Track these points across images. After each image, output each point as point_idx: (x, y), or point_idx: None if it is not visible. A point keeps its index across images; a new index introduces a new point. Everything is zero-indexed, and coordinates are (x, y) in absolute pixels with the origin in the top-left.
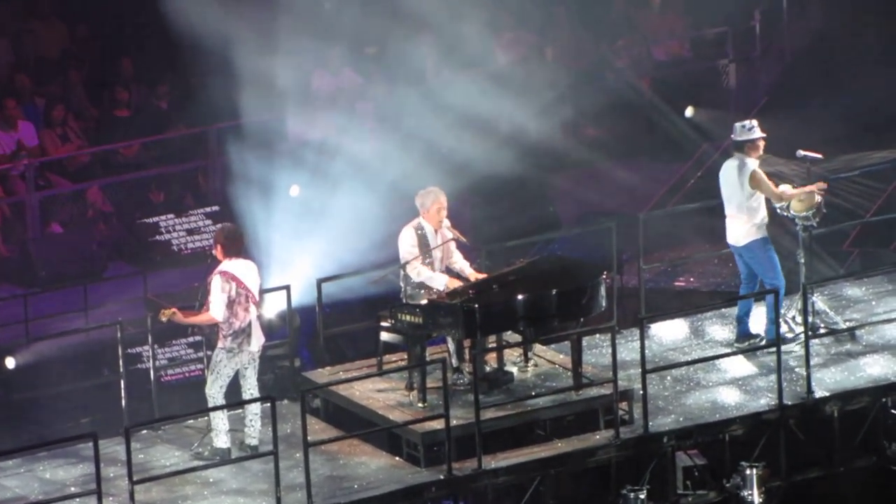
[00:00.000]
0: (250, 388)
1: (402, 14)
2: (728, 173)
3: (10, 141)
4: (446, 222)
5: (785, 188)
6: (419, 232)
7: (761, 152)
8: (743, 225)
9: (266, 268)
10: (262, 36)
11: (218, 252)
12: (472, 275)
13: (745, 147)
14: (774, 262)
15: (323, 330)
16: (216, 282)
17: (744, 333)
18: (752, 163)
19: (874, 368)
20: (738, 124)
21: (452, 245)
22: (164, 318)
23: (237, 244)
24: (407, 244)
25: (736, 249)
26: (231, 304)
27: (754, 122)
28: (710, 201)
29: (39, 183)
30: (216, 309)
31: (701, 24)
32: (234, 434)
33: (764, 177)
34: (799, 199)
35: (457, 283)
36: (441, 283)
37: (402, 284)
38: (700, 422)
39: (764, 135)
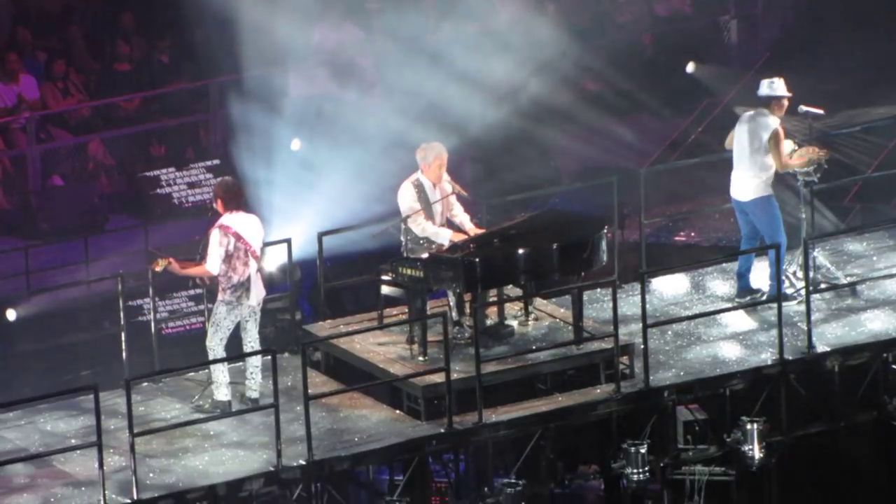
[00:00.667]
0: (251, 340)
1: None
2: (746, 126)
3: (10, 94)
4: (446, 176)
5: (786, 144)
6: (418, 187)
7: (784, 112)
8: (752, 179)
9: (267, 221)
10: None
11: (218, 206)
12: (473, 229)
13: (771, 103)
14: (779, 220)
15: (324, 283)
16: (214, 235)
17: (744, 288)
18: (775, 121)
19: (875, 324)
20: (764, 81)
21: (453, 198)
22: (158, 269)
23: (237, 198)
24: (408, 199)
25: (740, 205)
26: (229, 258)
27: (780, 80)
28: (711, 156)
29: (41, 136)
30: (212, 262)
31: None
32: (235, 387)
33: (782, 140)
34: (799, 154)
35: (462, 237)
36: (445, 238)
37: (402, 238)
38: (701, 376)
39: (790, 94)
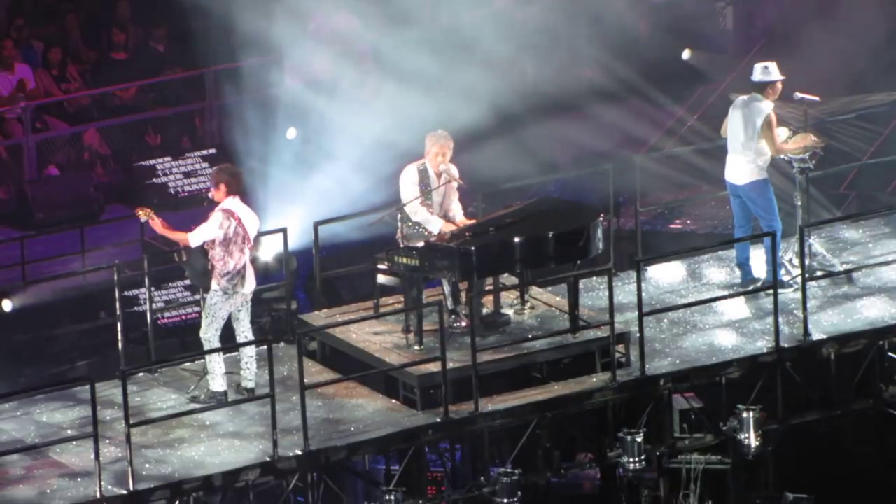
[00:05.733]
0: (244, 330)
1: None
2: (740, 111)
3: (6, 83)
4: (454, 168)
5: (781, 131)
6: (422, 171)
7: (778, 95)
8: (747, 164)
9: (263, 210)
10: None
11: (220, 191)
12: (464, 220)
13: (765, 89)
14: (773, 205)
15: (320, 272)
16: (216, 216)
17: (748, 278)
18: (768, 105)
19: (871, 311)
20: (757, 65)
21: (454, 192)
22: (142, 216)
23: (240, 183)
24: (408, 181)
25: (735, 188)
26: (227, 242)
27: (774, 65)
28: (706, 144)
29: (36, 125)
30: (197, 235)
31: None
32: (231, 377)
33: (775, 124)
34: (795, 140)
35: (451, 228)
36: (436, 226)
37: (399, 225)
38: (697, 364)
39: (783, 77)
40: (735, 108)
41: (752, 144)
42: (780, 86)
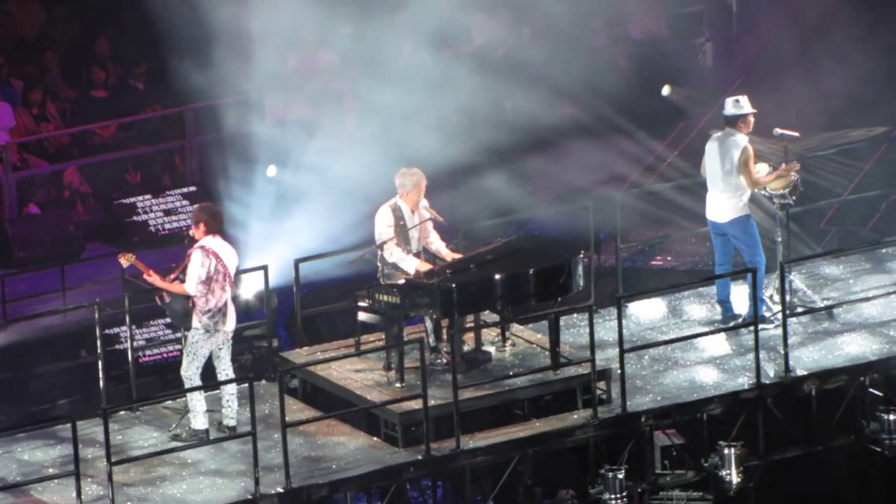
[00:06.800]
0: (225, 368)
1: None
2: (717, 148)
3: None
4: (424, 202)
5: (761, 167)
6: (396, 212)
7: (751, 128)
8: (728, 200)
9: (243, 248)
10: (238, 16)
11: (199, 230)
12: (449, 255)
13: (737, 122)
14: (757, 240)
15: (301, 310)
16: (196, 255)
17: (729, 315)
18: (743, 139)
19: (852, 347)
20: (729, 99)
21: (430, 225)
22: (123, 262)
23: (219, 221)
24: (383, 223)
25: (717, 226)
26: (209, 280)
27: (745, 98)
28: (686, 180)
29: (16, 164)
30: (191, 282)
31: (677, 2)
32: (212, 415)
33: (752, 158)
34: (776, 176)
35: (427, 267)
36: (411, 266)
37: (379, 264)
38: (678, 401)
39: (754, 110)
40: (711, 145)
41: (732, 180)
42: (752, 119)
